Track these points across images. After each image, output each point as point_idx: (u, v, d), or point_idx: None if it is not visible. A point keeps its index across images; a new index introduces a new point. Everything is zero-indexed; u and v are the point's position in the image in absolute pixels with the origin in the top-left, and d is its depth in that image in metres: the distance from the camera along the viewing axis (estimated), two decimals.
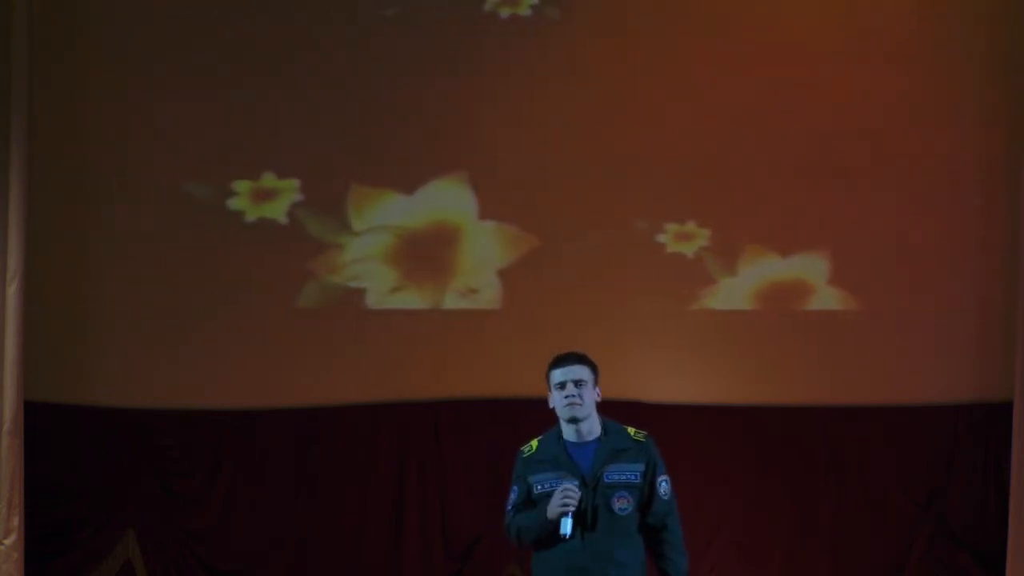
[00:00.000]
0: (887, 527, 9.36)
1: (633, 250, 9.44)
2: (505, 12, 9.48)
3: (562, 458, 5.97)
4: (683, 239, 9.46)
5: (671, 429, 9.38)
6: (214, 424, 9.52)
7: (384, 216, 9.52)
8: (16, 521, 8.97)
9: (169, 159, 9.47)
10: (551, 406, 6.06)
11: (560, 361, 6.04)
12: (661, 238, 9.46)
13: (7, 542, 8.94)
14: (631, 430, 6.10)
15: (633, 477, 5.99)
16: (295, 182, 9.50)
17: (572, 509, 5.86)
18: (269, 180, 9.49)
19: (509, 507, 6.11)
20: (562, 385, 5.97)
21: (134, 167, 9.52)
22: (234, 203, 9.51)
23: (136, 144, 9.53)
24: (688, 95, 9.45)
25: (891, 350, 9.42)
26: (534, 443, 6.08)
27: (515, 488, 6.07)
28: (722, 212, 9.45)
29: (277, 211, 9.52)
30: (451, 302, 9.49)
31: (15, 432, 8.99)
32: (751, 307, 9.47)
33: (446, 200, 9.50)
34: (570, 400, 5.95)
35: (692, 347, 9.41)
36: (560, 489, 5.87)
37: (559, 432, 6.05)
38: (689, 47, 9.47)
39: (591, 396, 5.99)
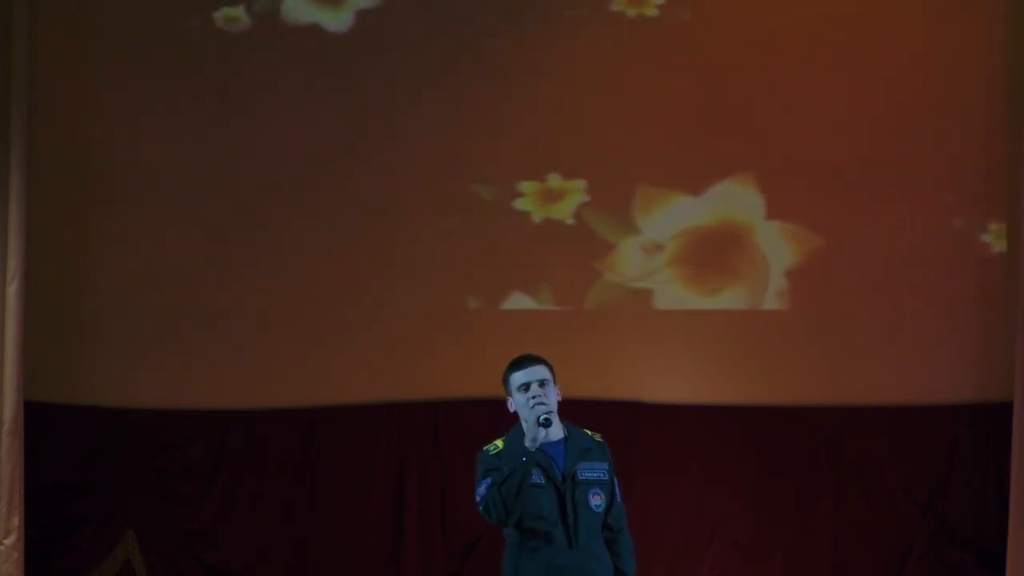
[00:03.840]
0: (887, 527, 9.34)
1: (949, 248, 9.37)
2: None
3: (535, 454, 5.95)
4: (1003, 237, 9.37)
5: (672, 430, 9.46)
6: (214, 424, 9.53)
7: (672, 217, 9.50)
8: (16, 521, 8.98)
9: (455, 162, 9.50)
10: (512, 409, 6.04)
11: (520, 363, 6.03)
12: (985, 237, 9.41)
13: (7, 542, 8.94)
14: (588, 431, 6.15)
15: (603, 474, 6.05)
16: (582, 183, 9.53)
17: (550, 411, 5.89)
18: (555, 181, 9.51)
19: (482, 493, 6.00)
20: (526, 387, 5.97)
21: (136, 166, 9.53)
22: (521, 204, 9.53)
23: (136, 144, 9.53)
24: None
25: (891, 350, 9.42)
26: (499, 442, 6.07)
27: (487, 480, 5.96)
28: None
29: (564, 212, 9.53)
30: (769, 303, 9.45)
31: (15, 432, 8.99)
32: None
33: (733, 201, 9.46)
34: (536, 400, 5.95)
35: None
36: (528, 401, 5.90)
37: (522, 432, 6.00)
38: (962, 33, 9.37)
39: (554, 396, 6.01)
